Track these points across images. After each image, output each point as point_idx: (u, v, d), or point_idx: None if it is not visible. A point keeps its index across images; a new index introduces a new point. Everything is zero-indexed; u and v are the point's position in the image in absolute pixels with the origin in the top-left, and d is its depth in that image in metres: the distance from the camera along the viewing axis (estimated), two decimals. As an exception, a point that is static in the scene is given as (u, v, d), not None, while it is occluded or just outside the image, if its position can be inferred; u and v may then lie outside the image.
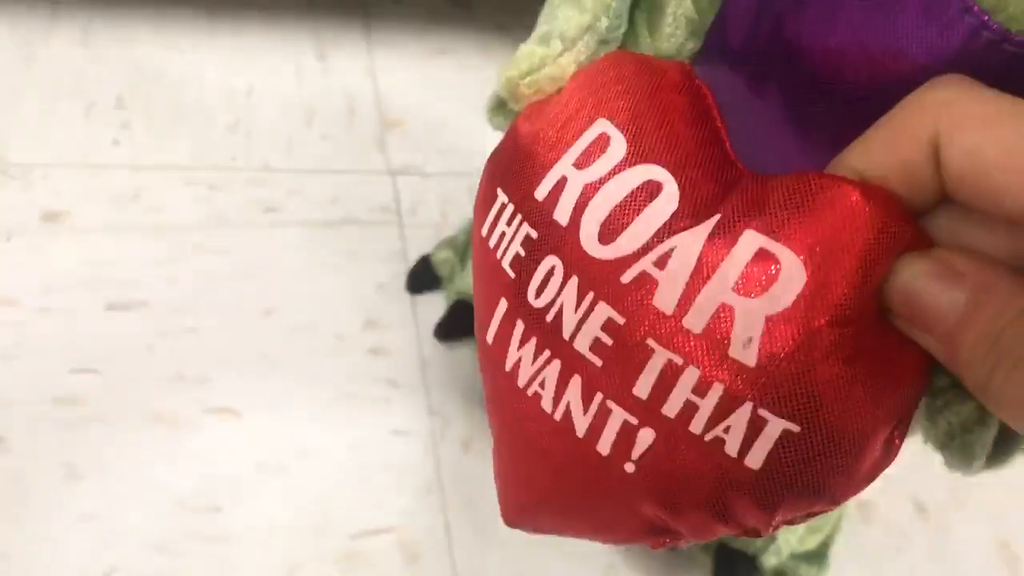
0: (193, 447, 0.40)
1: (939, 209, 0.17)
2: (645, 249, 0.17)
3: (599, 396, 0.18)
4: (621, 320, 0.18)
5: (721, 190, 0.18)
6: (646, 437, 0.18)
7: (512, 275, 0.20)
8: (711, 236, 0.17)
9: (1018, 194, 0.15)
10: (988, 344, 0.15)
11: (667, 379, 0.17)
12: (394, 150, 0.55)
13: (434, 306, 0.47)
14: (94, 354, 0.42)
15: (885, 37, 0.19)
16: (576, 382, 0.19)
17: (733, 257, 0.17)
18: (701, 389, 0.17)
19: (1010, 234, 0.16)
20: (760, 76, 0.23)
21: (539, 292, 0.19)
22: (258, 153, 0.52)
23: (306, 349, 0.45)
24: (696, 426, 0.17)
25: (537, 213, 0.19)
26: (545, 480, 0.21)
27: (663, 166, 0.18)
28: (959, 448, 0.18)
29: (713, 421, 0.17)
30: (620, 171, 0.18)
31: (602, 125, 0.19)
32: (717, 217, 0.17)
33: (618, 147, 0.18)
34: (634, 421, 0.18)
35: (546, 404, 0.19)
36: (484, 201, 0.21)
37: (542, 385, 0.19)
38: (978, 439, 0.18)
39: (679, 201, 0.18)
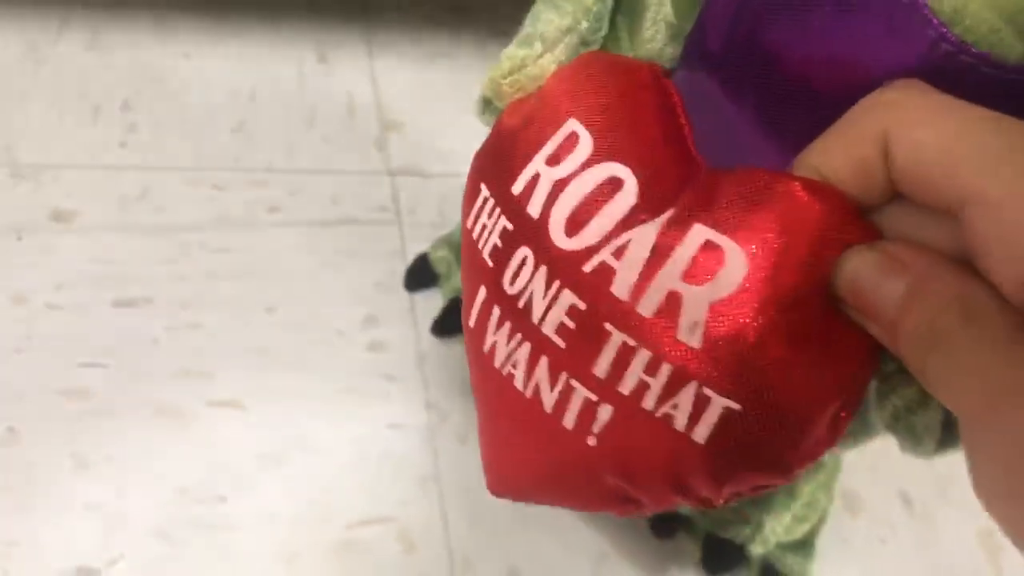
0: (197, 439, 0.42)
1: (891, 204, 0.18)
2: (605, 241, 0.19)
3: (564, 375, 0.20)
4: (583, 306, 0.19)
5: (677, 186, 0.19)
6: (605, 413, 0.19)
7: (491, 264, 0.21)
8: (664, 229, 0.18)
9: (952, 186, 0.16)
10: (924, 330, 0.16)
11: (622, 359, 0.19)
12: (393, 151, 0.56)
13: (432, 303, 0.49)
14: (101, 348, 0.43)
15: (852, 46, 0.21)
16: (544, 362, 0.20)
17: (682, 248, 0.18)
18: (652, 369, 0.18)
19: (953, 227, 0.17)
20: (736, 82, 0.24)
21: (513, 280, 0.21)
22: (260, 154, 0.53)
23: (307, 344, 0.46)
24: (648, 403, 0.19)
25: (513, 207, 0.21)
26: (521, 452, 0.22)
27: (625, 164, 0.19)
28: (904, 430, 0.20)
29: (663, 399, 0.18)
30: (586, 168, 0.20)
31: (572, 125, 0.20)
32: (671, 211, 0.19)
33: (585, 145, 0.20)
34: (594, 398, 0.19)
35: (519, 383, 0.21)
36: (470, 195, 0.23)
37: (515, 365, 0.21)
38: (921, 421, 0.19)
39: (638, 197, 0.19)
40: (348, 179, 0.54)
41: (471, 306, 0.23)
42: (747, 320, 0.17)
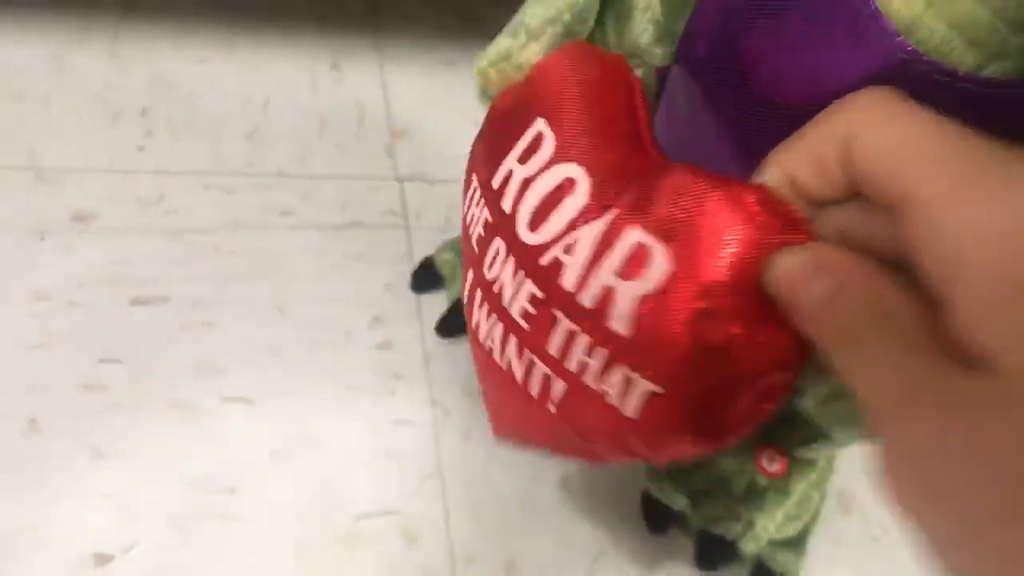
0: (209, 433, 0.43)
1: (852, 202, 0.20)
2: (559, 237, 0.21)
3: (528, 353, 0.23)
4: (541, 295, 0.22)
5: (625, 185, 0.21)
6: (559, 386, 0.22)
7: (476, 251, 0.24)
8: (606, 228, 0.21)
9: (895, 187, 0.17)
10: (841, 329, 0.18)
11: (568, 342, 0.21)
12: (402, 158, 0.58)
13: (437, 304, 0.50)
14: (119, 345, 0.45)
15: (819, 54, 0.22)
16: (512, 340, 0.23)
17: (619, 247, 0.20)
18: (589, 352, 0.21)
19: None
20: (717, 90, 0.26)
21: (490, 267, 0.23)
22: (273, 160, 0.55)
23: (316, 343, 0.48)
24: (589, 380, 0.21)
25: (493, 200, 0.23)
26: (509, 411, 0.25)
27: (580, 164, 0.22)
28: (828, 416, 0.21)
29: (599, 378, 0.21)
30: (547, 168, 0.22)
31: (539, 125, 0.23)
32: (615, 212, 0.21)
33: (548, 146, 0.22)
34: (550, 373, 0.22)
35: (496, 356, 0.23)
36: (466, 184, 0.25)
37: (492, 341, 0.23)
38: (843, 408, 0.21)
39: (588, 197, 0.21)
40: (358, 184, 0.55)
41: (466, 284, 0.25)
42: (670, 314, 0.19)
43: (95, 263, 0.47)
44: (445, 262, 0.49)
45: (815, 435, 0.36)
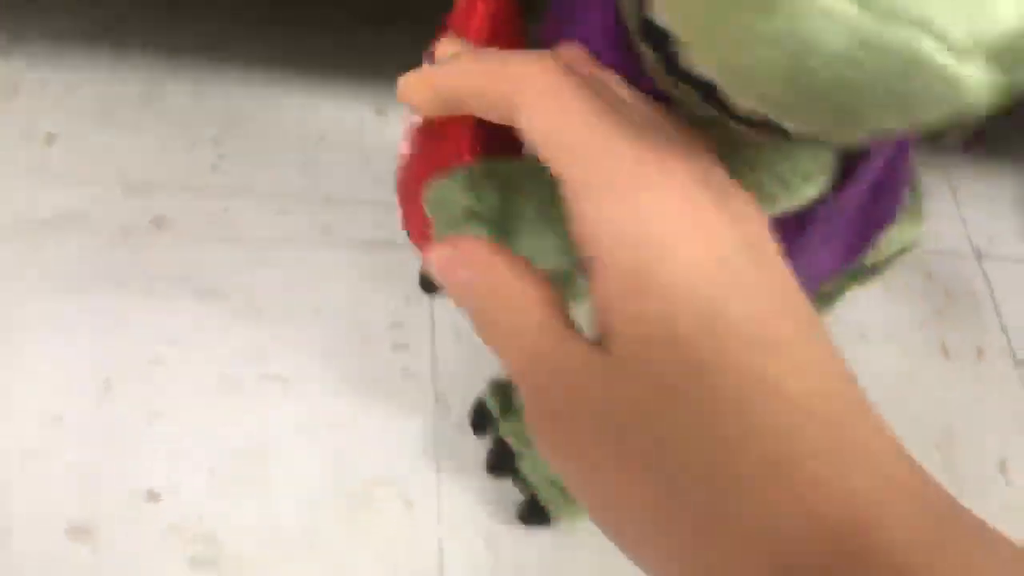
0: (248, 404, 0.52)
1: None
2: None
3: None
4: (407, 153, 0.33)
5: None
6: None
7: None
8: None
9: (551, 164, 0.19)
10: (473, 312, 0.22)
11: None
12: (431, 190, 0.67)
13: (448, 312, 0.58)
14: (181, 332, 0.54)
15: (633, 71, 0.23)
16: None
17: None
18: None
19: None
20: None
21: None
22: (322, 187, 0.65)
23: (343, 340, 0.56)
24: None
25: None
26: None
27: None
28: None
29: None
30: None
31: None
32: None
33: None
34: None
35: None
36: None
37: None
38: None
39: None
40: (390, 210, 0.64)
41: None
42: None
43: (168, 263, 0.57)
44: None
45: None
